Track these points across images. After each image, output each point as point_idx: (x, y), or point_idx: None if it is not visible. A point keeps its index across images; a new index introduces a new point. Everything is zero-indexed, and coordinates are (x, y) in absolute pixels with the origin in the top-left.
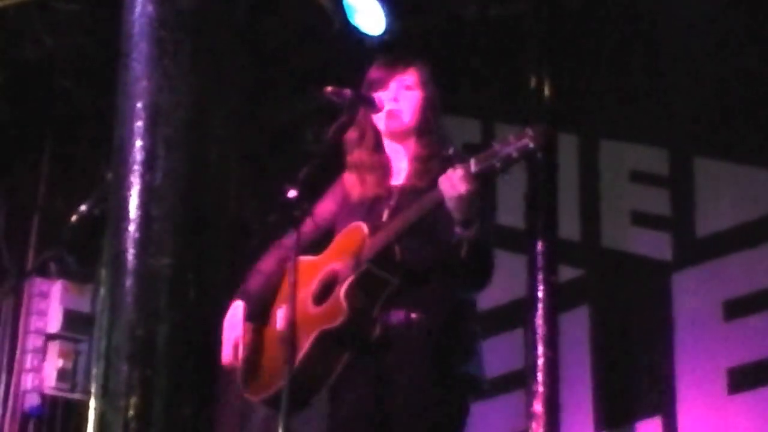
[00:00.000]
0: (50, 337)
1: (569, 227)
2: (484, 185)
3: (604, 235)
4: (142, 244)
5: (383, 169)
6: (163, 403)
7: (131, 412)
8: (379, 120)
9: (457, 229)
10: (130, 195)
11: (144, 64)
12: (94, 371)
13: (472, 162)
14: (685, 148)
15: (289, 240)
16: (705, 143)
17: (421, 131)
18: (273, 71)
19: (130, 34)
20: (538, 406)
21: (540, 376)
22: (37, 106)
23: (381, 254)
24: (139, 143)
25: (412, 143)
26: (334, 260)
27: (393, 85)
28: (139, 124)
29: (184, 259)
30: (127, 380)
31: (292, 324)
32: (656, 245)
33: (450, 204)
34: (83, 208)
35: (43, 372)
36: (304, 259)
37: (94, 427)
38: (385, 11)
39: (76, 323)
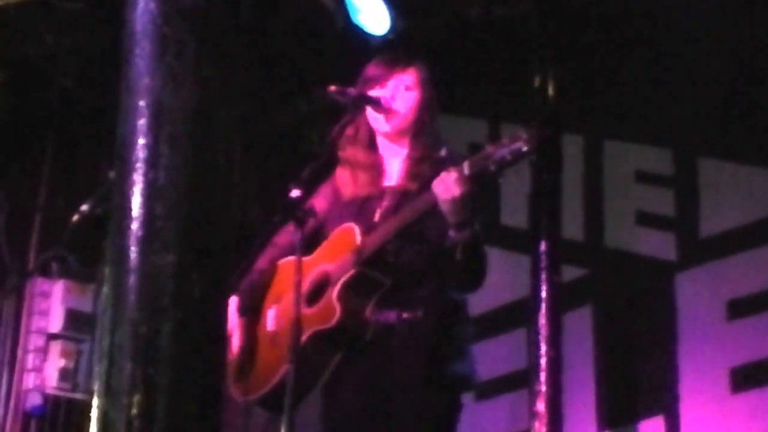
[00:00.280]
0: (52, 337)
1: (573, 227)
2: (478, 188)
3: (608, 235)
4: (146, 242)
5: (376, 168)
6: (167, 402)
7: (134, 411)
8: (375, 119)
9: (451, 232)
10: (133, 193)
11: (147, 61)
12: (96, 369)
13: (466, 164)
14: (690, 148)
15: (280, 239)
16: (709, 144)
17: (416, 132)
18: (277, 71)
19: (132, 32)
20: (540, 406)
21: (543, 376)
22: (39, 104)
23: (374, 256)
24: (141, 141)
25: (406, 143)
26: (326, 261)
27: (391, 83)
28: (142, 121)
29: (187, 256)
30: (130, 378)
31: (297, 323)
32: (660, 245)
33: (444, 207)
34: (85, 207)
35: (45, 372)
36: (292, 259)
37: (96, 425)
38: (388, 11)
39: (77, 323)
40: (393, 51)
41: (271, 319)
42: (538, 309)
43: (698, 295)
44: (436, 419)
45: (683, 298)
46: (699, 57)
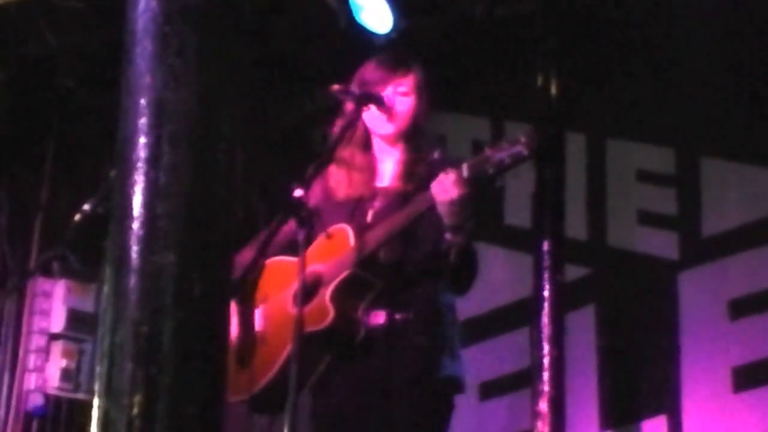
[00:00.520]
0: (53, 337)
1: (576, 226)
2: (475, 191)
3: (611, 234)
4: (147, 242)
5: (370, 169)
6: (168, 402)
7: (135, 411)
8: (373, 120)
9: (447, 235)
10: (134, 192)
11: (148, 60)
12: (97, 369)
13: (465, 167)
14: (692, 147)
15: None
16: (711, 143)
17: (410, 135)
18: (279, 69)
19: (133, 30)
20: (543, 405)
21: (546, 375)
22: (40, 104)
23: (367, 257)
24: (143, 140)
25: (400, 146)
26: (317, 262)
27: (390, 89)
28: (143, 120)
29: (189, 256)
30: (131, 378)
31: (299, 323)
32: (662, 244)
33: (441, 209)
34: (86, 206)
35: (47, 372)
36: (281, 259)
37: (97, 425)
38: (391, 9)
39: (79, 323)
40: (391, 54)
41: (258, 318)
42: (540, 308)
43: (701, 295)
44: (429, 421)
45: (686, 297)
46: (702, 56)
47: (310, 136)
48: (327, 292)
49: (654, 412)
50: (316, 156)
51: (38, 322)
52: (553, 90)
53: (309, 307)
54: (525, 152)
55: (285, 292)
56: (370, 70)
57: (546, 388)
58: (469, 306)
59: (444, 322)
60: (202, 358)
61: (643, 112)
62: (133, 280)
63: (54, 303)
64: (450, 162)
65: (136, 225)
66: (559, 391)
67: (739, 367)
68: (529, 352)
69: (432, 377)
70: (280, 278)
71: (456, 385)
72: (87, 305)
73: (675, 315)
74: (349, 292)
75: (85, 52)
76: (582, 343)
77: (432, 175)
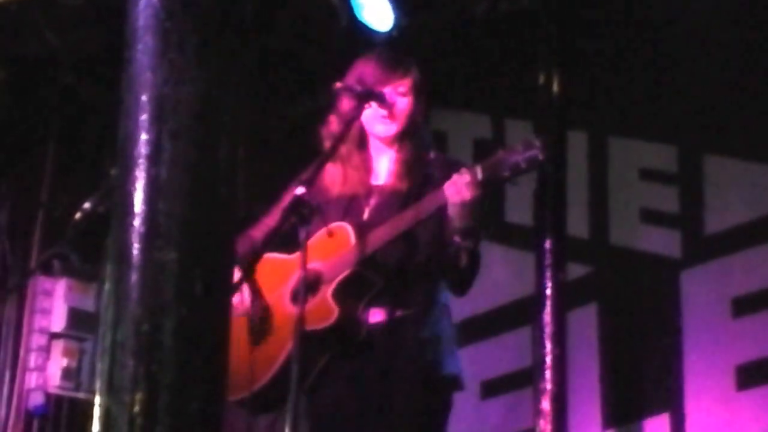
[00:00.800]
0: (54, 336)
1: (578, 224)
2: (487, 193)
3: (613, 232)
4: (148, 239)
5: (366, 167)
6: (170, 399)
7: (137, 408)
8: (370, 119)
9: (456, 238)
10: (135, 189)
11: (149, 56)
12: (99, 367)
13: (479, 169)
14: (695, 145)
15: (256, 231)
16: (714, 140)
17: (406, 135)
18: (280, 67)
19: (134, 26)
20: (545, 404)
21: (548, 374)
22: (41, 102)
23: (369, 256)
24: (144, 136)
25: (396, 144)
26: (315, 259)
27: (388, 90)
28: (144, 117)
29: (190, 253)
30: (133, 375)
31: (300, 320)
32: (665, 242)
33: (453, 210)
34: (87, 205)
35: (48, 371)
36: (273, 256)
37: (99, 422)
38: (392, 7)
39: (80, 322)
40: (389, 53)
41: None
42: (542, 307)
43: (704, 293)
44: (430, 419)
45: (688, 295)
46: (704, 53)
47: (311, 133)
48: (329, 290)
49: (657, 411)
50: (316, 154)
51: (39, 321)
52: (555, 87)
53: (310, 305)
54: (541, 156)
55: (281, 289)
56: (369, 70)
57: (548, 386)
58: (470, 304)
59: (444, 319)
60: (203, 355)
61: (645, 109)
62: (134, 278)
63: (55, 302)
64: (446, 162)
65: (137, 222)
66: (561, 389)
67: (743, 365)
68: (531, 350)
69: (434, 375)
70: (273, 275)
71: (457, 383)
72: (88, 304)
73: (678, 313)
74: (351, 291)
75: (85, 50)
76: (584, 342)
77: (428, 175)
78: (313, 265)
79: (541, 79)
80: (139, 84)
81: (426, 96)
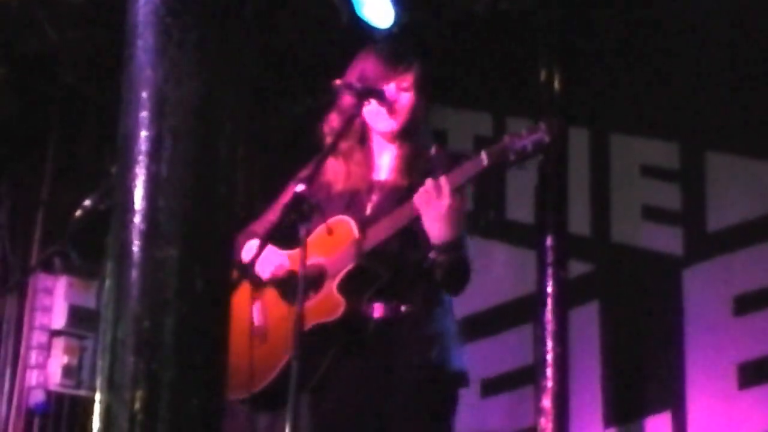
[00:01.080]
0: (55, 334)
1: (579, 222)
2: (463, 203)
3: (615, 230)
4: (148, 236)
5: (367, 163)
6: (170, 396)
7: (137, 405)
8: (371, 115)
9: (432, 254)
10: (135, 186)
11: (149, 52)
12: (99, 364)
13: (484, 155)
14: (696, 142)
15: (257, 227)
16: (716, 137)
17: (408, 131)
18: (281, 64)
19: (134, 23)
20: (546, 402)
21: (549, 372)
22: (42, 99)
23: (372, 249)
24: (144, 133)
25: (398, 140)
26: (317, 254)
27: (392, 85)
28: (144, 114)
29: (190, 250)
30: (133, 373)
31: (299, 318)
32: (667, 240)
33: (426, 223)
34: (88, 202)
35: (48, 368)
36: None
37: (99, 420)
38: (393, 4)
39: (81, 319)
40: (391, 48)
41: (257, 314)
42: (544, 305)
43: (705, 290)
44: (435, 416)
45: (690, 293)
46: (706, 50)
47: (311, 132)
48: (334, 284)
49: (658, 409)
50: (317, 152)
51: (39, 319)
52: (556, 85)
53: (315, 300)
54: (547, 138)
55: (281, 285)
56: (370, 65)
57: (549, 384)
58: (471, 302)
59: (447, 315)
60: (204, 352)
61: (646, 106)
62: (134, 275)
63: (55, 299)
64: (448, 156)
65: (137, 219)
66: (562, 387)
67: (745, 363)
68: (533, 348)
69: (442, 370)
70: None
71: (464, 379)
72: (88, 301)
73: (679, 311)
74: (356, 284)
75: (86, 48)
76: (586, 340)
77: (430, 170)
78: (315, 259)
79: (543, 77)
80: (139, 81)
81: (428, 91)
